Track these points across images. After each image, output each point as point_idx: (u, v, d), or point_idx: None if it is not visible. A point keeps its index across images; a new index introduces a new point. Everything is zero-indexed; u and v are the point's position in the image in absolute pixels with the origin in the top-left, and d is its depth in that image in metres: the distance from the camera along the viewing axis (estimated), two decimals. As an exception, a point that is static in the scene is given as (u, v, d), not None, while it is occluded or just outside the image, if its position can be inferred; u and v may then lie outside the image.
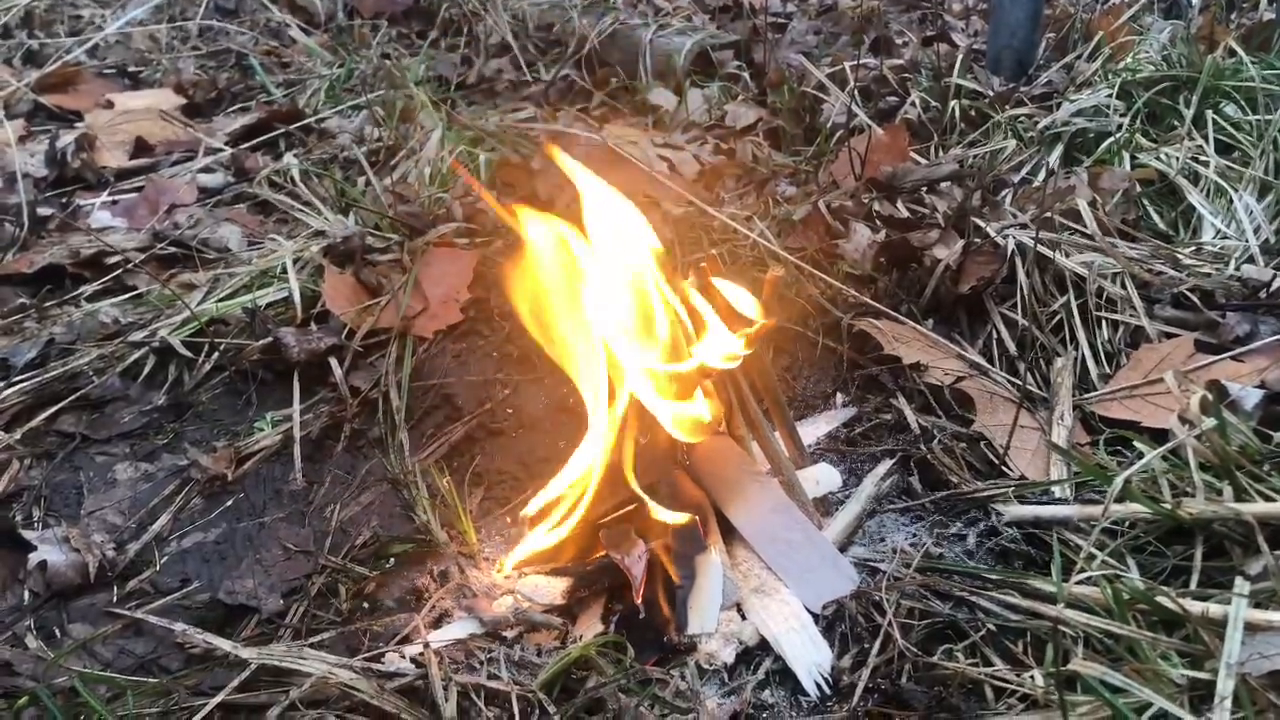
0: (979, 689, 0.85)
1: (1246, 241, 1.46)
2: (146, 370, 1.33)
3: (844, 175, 1.72)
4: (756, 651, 0.93)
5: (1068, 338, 1.32)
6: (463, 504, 1.13)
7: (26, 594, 1.04)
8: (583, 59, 2.40)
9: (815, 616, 0.94)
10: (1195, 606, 0.85)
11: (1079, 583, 0.91)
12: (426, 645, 0.90)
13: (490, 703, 0.86)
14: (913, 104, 1.95)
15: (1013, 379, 1.26)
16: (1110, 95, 1.79)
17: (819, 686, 0.88)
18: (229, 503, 1.16)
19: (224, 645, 0.91)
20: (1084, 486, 1.08)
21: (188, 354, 1.34)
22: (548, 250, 0.96)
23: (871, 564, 1.01)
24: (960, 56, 2.01)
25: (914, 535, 1.05)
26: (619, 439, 0.99)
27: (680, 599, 0.95)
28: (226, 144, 2.08)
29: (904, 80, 2.06)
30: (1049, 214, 1.44)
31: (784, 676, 0.91)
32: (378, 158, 1.93)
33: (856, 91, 1.93)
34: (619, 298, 0.96)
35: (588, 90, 2.33)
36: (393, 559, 1.08)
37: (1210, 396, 1.07)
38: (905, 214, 1.55)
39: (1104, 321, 1.33)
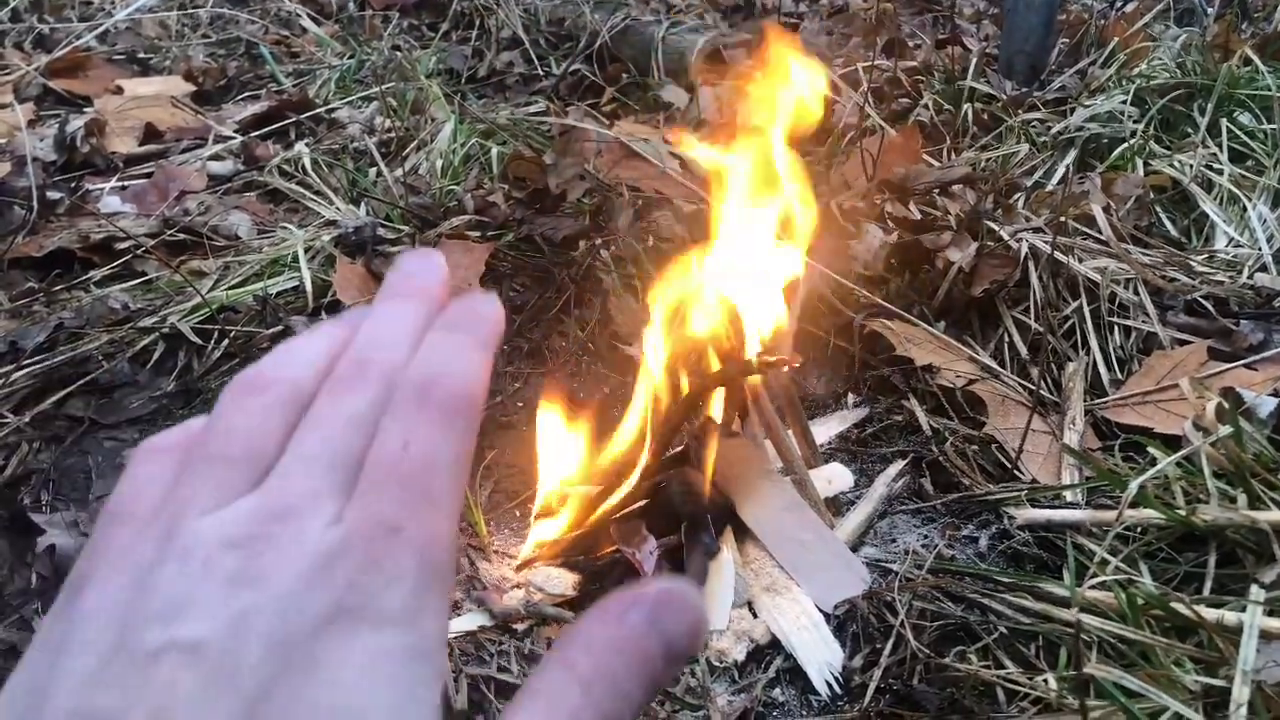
0: (991, 691, 0.85)
1: (1260, 250, 1.46)
2: (156, 356, 1.33)
3: (855, 176, 1.72)
4: (767, 650, 0.93)
5: (1080, 343, 1.32)
6: (473, 496, 1.13)
7: (34, 577, 1.03)
8: (594, 54, 2.40)
9: (827, 616, 0.94)
10: (1210, 613, 0.85)
11: (1092, 587, 0.91)
12: (437, 637, 0.89)
13: (501, 695, 0.86)
14: (925, 106, 1.95)
15: (1025, 383, 1.26)
16: (1124, 101, 1.79)
17: (830, 686, 0.88)
18: (237, 490, 1.16)
19: (233, 633, 0.90)
20: (1096, 491, 1.07)
21: (197, 341, 1.34)
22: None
23: (883, 564, 1.01)
24: (974, 60, 2.01)
25: (925, 537, 1.05)
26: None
27: (692, 595, 0.94)
28: (236, 132, 2.08)
29: (917, 83, 2.05)
30: (1062, 218, 1.44)
31: (795, 675, 0.90)
32: (389, 149, 1.92)
33: (869, 92, 1.93)
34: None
35: (599, 86, 2.32)
36: (402, 550, 1.07)
37: (1226, 404, 1.07)
38: (918, 216, 1.54)
39: (1116, 327, 1.33)
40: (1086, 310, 1.33)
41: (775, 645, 0.93)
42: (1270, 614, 0.84)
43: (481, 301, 0.34)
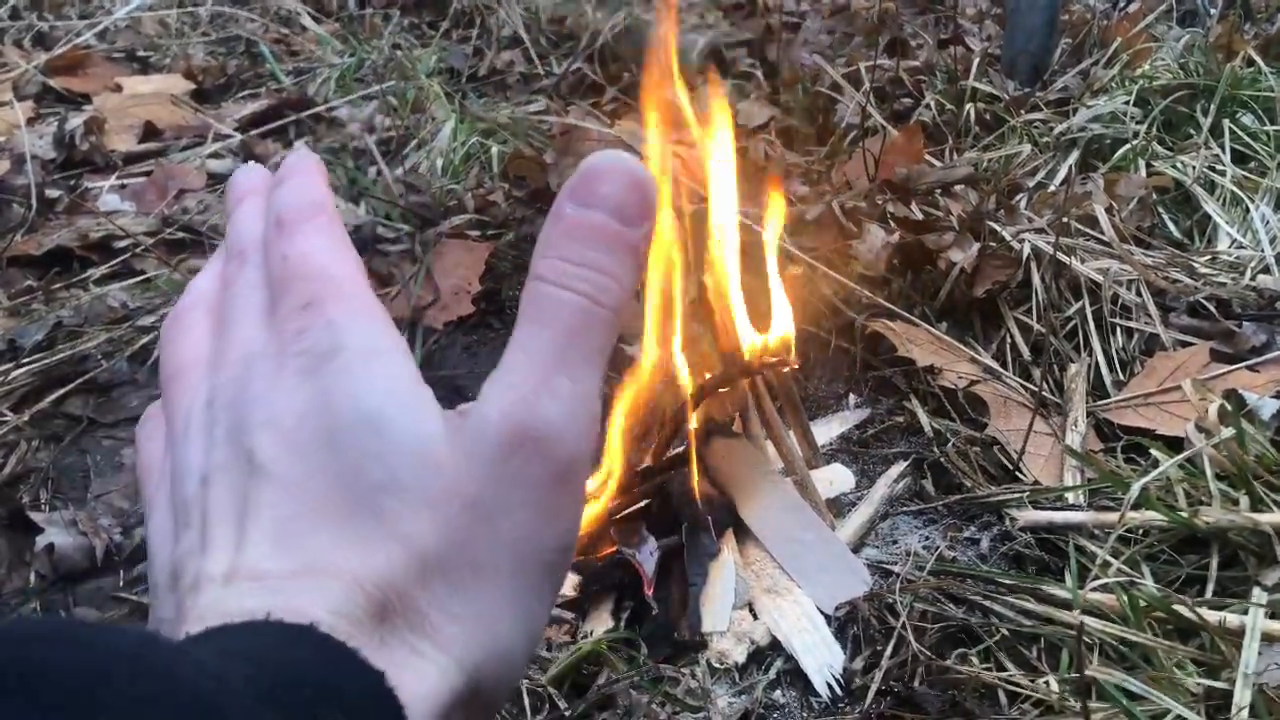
0: (993, 693, 0.85)
1: (1262, 252, 1.45)
2: (155, 355, 1.33)
3: (857, 176, 1.72)
4: (768, 651, 0.92)
5: (1082, 344, 1.31)
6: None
7: (33, 576, 1.03)
8: (595, 53, 2.39)
9: (828, 617, 0.94)
10: (1212, 615, 0.85)
11: (1094, 589, 0.91)
12: (436, 637, 0.89)
13: (500, 697, 0.85)
14: (927, 106, 1.94)
15: (1027, 384, 1.25)
16: (1127, 102, 1.78)
17: (830, 687, 0.88)
18: (237, 490, 1.15)
19: (232, 633, 0.90)
20: (1098, 493, 1.07)
21: (197, 339, 1.33)
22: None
23: (884, 566, 1.00)
24: (976, 60, 2.00)
25: (927, 538, 1.04)
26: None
27: (693, 597, 0.94)
28: (236, 130, 2.07)
29: (919, 82, 2.05)
30: (1065, 219, 1.44)
31: (795, 677, 0.90)
32: (388, 147, 1.92)
33: (871, 92, 1.92)
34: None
35: (600, 85, 2.32)
36: (401, 550, 1.07)
37: (1228, 405, 1.06)
38: (920, 216, 1.54)
39: (1119, 328, 1.33)
40: (1089, 311, 1.33)
41: (776, 647, 0.92)
42: (1272, 616, 0.84)
43: (294, 155, 0.41)
